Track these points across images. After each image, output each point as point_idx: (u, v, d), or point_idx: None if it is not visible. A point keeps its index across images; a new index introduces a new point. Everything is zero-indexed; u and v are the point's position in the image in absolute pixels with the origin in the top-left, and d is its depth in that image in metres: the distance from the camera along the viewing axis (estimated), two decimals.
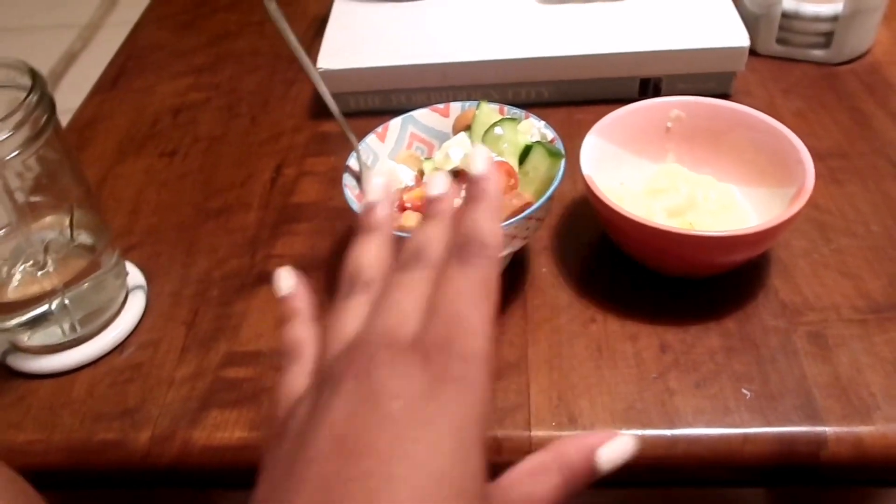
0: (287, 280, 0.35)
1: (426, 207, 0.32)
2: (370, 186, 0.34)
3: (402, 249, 0.31)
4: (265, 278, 0.52)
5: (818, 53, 0.67)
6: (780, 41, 0.67)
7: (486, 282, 0.28)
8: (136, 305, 0.50)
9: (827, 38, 0.66)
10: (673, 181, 0.51)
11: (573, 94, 0.65)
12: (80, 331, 0.48)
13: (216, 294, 0.52)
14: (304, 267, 0.52)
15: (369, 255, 0.32)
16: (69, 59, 2.15)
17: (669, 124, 0.53)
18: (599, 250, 0.52)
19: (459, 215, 0.30)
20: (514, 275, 0.50)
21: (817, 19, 0.65)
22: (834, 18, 0.64)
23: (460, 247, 0.29)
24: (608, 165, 0.51)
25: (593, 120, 0.52)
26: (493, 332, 0.28)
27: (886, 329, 0.45)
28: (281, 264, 0.53)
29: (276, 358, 0.47)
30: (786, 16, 0.66)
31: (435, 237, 0.31)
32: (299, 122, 0.66)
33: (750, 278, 0.49)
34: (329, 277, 0.52)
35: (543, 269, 0.51)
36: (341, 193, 0.48)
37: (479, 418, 0.26)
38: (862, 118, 0.61)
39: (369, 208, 0.33)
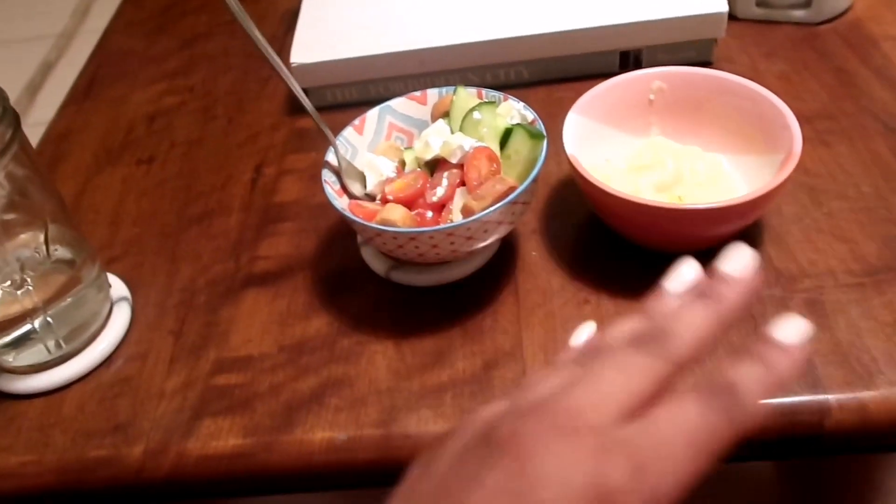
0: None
1: (711, 284, 0.27)
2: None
3: (650, 312, 0.27)
4: (251, 282, 0.51)
5: (799, 14, 0.65)
6: (759, 4, 0.66)
7: (717, 438, 0.24)
8: (121, 318, 0.49)
9: None
10: (659, 155, 0.50)
11: (553, 72, 0.64)
12: (65, 348, 0.47)
13: (202, 301, 0.51)
14: (289, 267, 0.52)
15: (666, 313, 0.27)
16: (45, 69, 2.13)
17: (652, 97, 0.52)
18: (589, 230, 0.51)
19: (750, 351, 0.26)
20: (504, 260, 0.49)
21: None
22: None
23: (714, 388, 0.25)
24: (592, 143, 0.50)
25: (575, 97, 0.51)
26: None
27: (883, 291, 0.44)
28: (266, 266, 0.52)
29: (267, 361, 0.46)
30: None
31: (693, 327, 0.26)
32: (277, 120, 0.65)
33: None
34: (315, 277, 0.51)
35: (533, 253, 0.50)
36: (323, 190, 0.47)
37: None
38: (846, 77, 0.60)
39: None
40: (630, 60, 0.63)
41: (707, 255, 0.47)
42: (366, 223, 0.43)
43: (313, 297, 0.50)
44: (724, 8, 0.60)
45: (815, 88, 0.59)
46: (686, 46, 0.62)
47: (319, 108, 0.64)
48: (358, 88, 0.64)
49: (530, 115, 0.48)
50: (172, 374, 0.47)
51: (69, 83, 0.74)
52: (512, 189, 0.43)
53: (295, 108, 0.66)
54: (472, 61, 0.63)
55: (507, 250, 0.50)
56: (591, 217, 0.51)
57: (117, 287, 0.51)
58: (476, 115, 0.47)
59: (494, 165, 0.45)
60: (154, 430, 0.44)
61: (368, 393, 0.44)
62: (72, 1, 2.41)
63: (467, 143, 0.45)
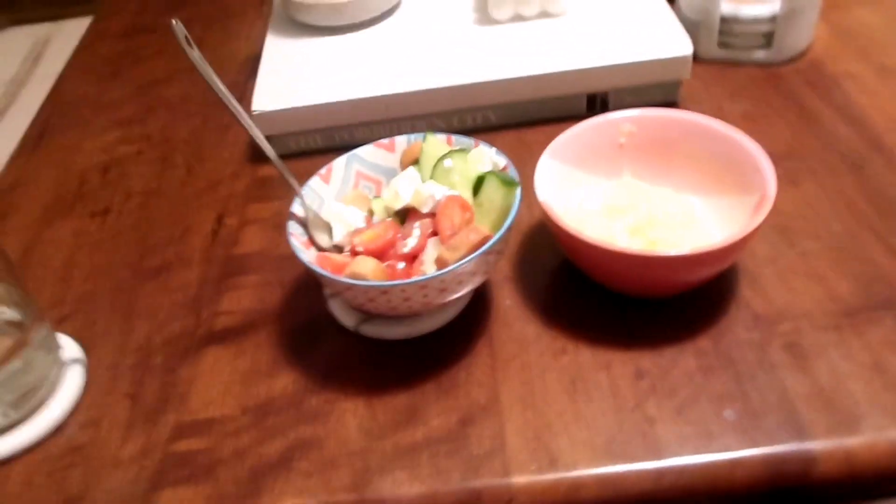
0: None
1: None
2: None
3: None
4: (212, 339, 0.49)
5: (760, 54, 0.67)
6: (721, 45, 0.67)
7: None
8: (73, 381, 0.47)
9: (767, 39, 0.66)
10: (632, 198, 0.50)
11: (521, 116, 0.64)
12: (12, 416, 0.45)
13: (160, 360, 0.49)
14: (253, 322, 0.50)
15: None
16: None
17: (622, 139, 0.52)
18: (563, 277, 0.50)
19: None
20: (478, 311, 0.48)
21: (756, 21, 0.65)
22: (772, 19, 0.65)
23: None
24: (564, 187, 0.49)
25: (544, 140, 0.50)
26: None
27: (862, 332, 0.44)
28: (228, 322, 0.51)
29: (230, 424, 0.44)
30: (725, 20, 0.66)
31: None
32: (238, 168, 0.64)
33: (719, 291, 0.48)
34: (281, 332, 0.49)
35: (507, 302, 0.49)
36: (288, 241, 0.45)
37: None
38: (810, 116, 0.61)
39: None
40: (597, 103, 0.64)
41: (683, 299, 0.47)
42: (335, 277, 0.41)
43: (278, 353, 0.48)
44: (689, 50, 0.61)
45: (781, 128, 0.60)
46: (652, 89, 0.63)
47: (283, 156, 0.63)
48: (322, 135, 0.64)
49: (502, 161, 0.47)
50: (129, 441, 0.44)
51: (20, 131, 0.72)
52: (486, 239, 0.42)
53: (257, 155, 0.65)
54: (438, 106, 0.62)
55: (480, 300, 0.49)
56: (565, 263, 0.51)
57: (69, 348, 0.49)
58: (447, 162, 0.46)
59: (468, 214, 0.44)
60: (109, 503, 0.41)
61: (339, 455, 0.42)
62: (23, 47, 2.38)
63: (439, 191, 0.45)
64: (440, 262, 0.42)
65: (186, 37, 0.40)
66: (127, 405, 0.46)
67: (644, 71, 0.61)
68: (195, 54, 0.41)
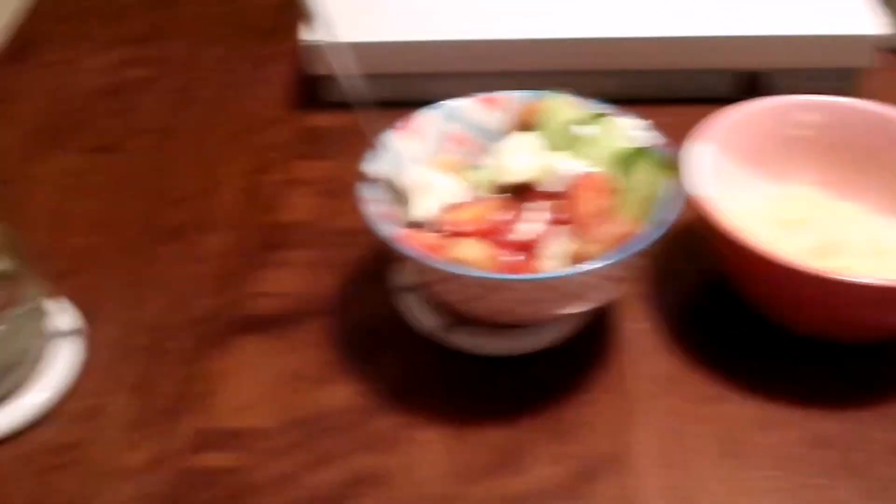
0: None
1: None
2: None
3: None
4: (249, 325, 0.46)
5: None
6: None
7: None
8: (64, 359, 0.44)
9: None
10: (809, 211, 0.47)
11: (646, 90, 0.61)
12: None
13: (180, 346, 0.45)
14: (302, 311, 0.47)
15: None
16: None
17: (804, 133, 0.49)
18: (716, 300, 0.47)
19: None
20: (605, 334, 0.46)
21: None
22: None
23: None
24: (721, 185, 0.46)
25: (675, 124, 0.47)
26: None
27: None
28: (270, 306, 0.48)
29: (270, 439, 0.41)
30: None
31: None
32: (280, 114, 0.61)
33: None
34: (340, 327, 0.46)
35: (642, 326, 0.46)
36: (349, 210, 0.42)
37: None
38: None
39: None
40: (746, 85, 0.61)
41: (884, 348, 0.44)
42: (437, 263, 0.38)
43: (336, 355, 0.45)
44: (877, 29, 0.58)
45: None
46: (820, 75, 0.60)
47: (332, 105, 0.60)
48: (393, 83, 0.60)
49: (652, 138, 0.44)
50: (135, 447, 0.41)
51: None
52: (633, 235, 0.39)
53: (305, 99, 0.62)
54: (543, 64, 0.60)
55: (607, 320, 0.46)
56: (717, 283, 0.48)
57: (62, 315, 0.46)
58: (588, 129, 0.43)
59: (608, 201, 0.41)
60: None
61: (413, 498, 0.39)
62: None
63: (576, 166, 0.42)
64: (578, 258, 0.39)
65: None
66: (134, 400, 0.43)
67: (813, 49, 0.59)
68: None
